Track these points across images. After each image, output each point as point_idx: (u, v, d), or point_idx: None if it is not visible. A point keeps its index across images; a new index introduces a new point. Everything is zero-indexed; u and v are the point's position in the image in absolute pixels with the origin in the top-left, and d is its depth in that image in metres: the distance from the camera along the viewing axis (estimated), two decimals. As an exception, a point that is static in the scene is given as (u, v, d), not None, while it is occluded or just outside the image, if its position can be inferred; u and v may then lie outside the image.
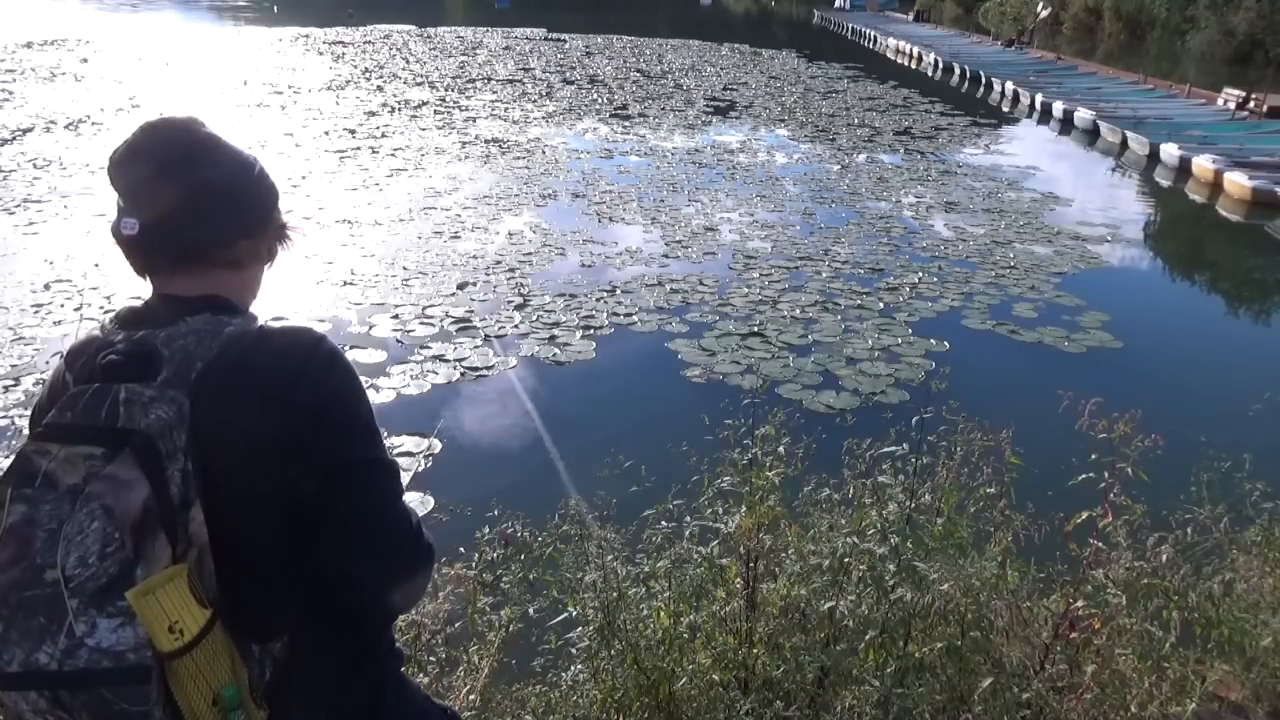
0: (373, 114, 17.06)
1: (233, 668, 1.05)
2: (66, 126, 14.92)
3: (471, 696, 2.55)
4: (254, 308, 1.28)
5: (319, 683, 1.20)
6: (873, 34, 38.51)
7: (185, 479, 1.03)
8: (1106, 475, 2.19)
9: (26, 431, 1.23)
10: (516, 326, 7.63)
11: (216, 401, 1.07)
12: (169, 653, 0.98)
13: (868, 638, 2.25)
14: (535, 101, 19.27)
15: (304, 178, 12.10)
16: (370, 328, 7.44)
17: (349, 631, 1.23)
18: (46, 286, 8.03)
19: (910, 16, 48.78)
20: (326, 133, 15.14)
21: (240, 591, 1.09)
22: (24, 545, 0.98)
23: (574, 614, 2.41)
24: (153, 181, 1.14)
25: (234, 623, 1.08)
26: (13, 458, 1.05)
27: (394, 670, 1.33)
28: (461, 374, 6.77)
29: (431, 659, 2.60)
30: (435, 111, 17.63)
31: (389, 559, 1.15)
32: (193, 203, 1.16)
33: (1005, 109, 22.14)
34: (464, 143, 14.83)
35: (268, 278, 1.31)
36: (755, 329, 7.67)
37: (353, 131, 15.35)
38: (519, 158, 13.91)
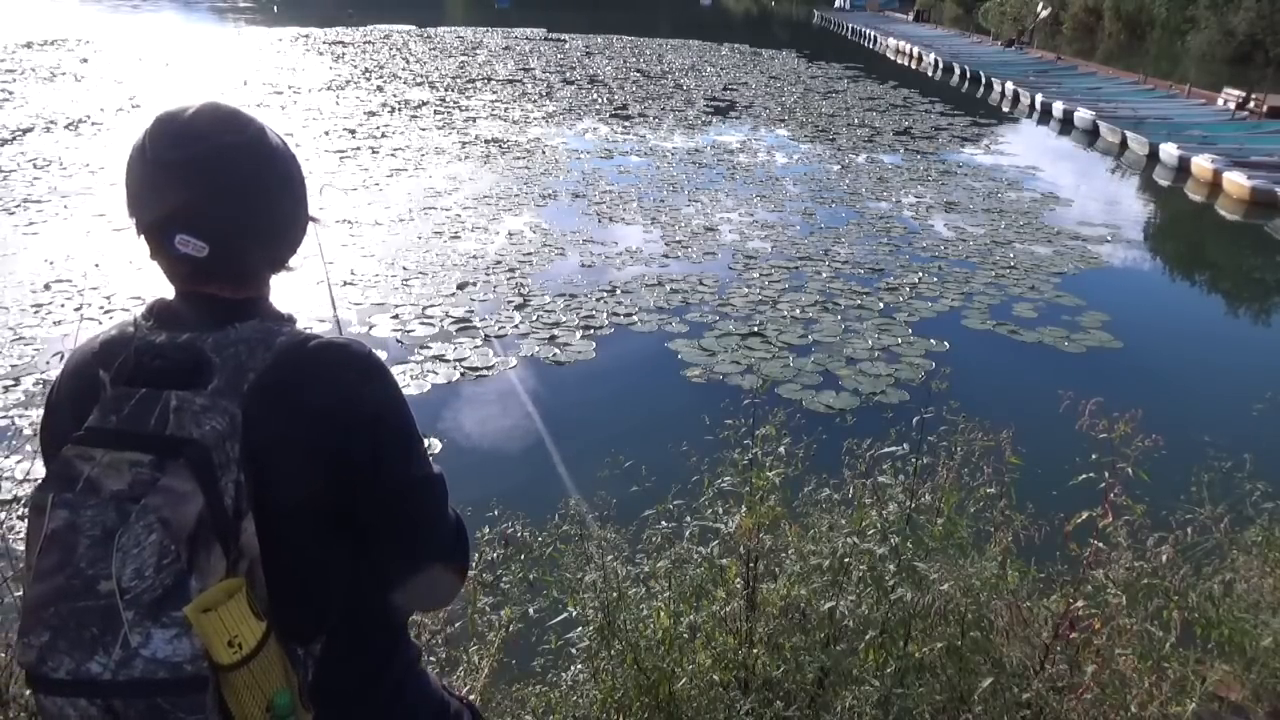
0: (373, 114, 17.06)
1: (285, 675, 1.07)
2: (66, 126, 14.93)
3: (472, 696, 2.55)
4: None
5: (349, 679, 1.22)
6: (873, 34, 38.49)
7: (238, 490, 1.03)
8: (1107, 475, 2.19)
9: (38, 423, 1.22)
10: (516, 326, 7.63)
11: (270, 414, 1.07)
12: (226, 665, 0.99)
13: (868, 638, 2.25)
14: (535, 101, 19.27)
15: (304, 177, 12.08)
16: (370, 328, 7.44)
17: (378, 629, 1.27)
18: (46, 286, 8.03)
19: (910, 16, 48.75)
20: (326, 133, 15.14)
21: (286, 596, 1.10)
22: (67, 552, 0.97)
23: (574, 614, 2.41)
24: (227, 205, 1.12)
25: (282, 629, 1.09)
26: (54, 462, 1.03)
27: (414, 663, 1.36)
28: (461, 374, 6.77)
29: (431, 659, 2.60)
30: (435, 111, 17.63)
31: (445, 563, 1.25)
32: (268, 228, 1.18)
33: (1005, 109, 22.14)
34: (464, 143, 14.83)
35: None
36: (755, 329, 7.68)
37: (353, 131, 15.35)
38: (519, 158, 13.91)
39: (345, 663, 1.20)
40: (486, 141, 14.97)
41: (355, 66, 23.79)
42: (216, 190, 1.10)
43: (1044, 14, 37.16)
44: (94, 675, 0.95)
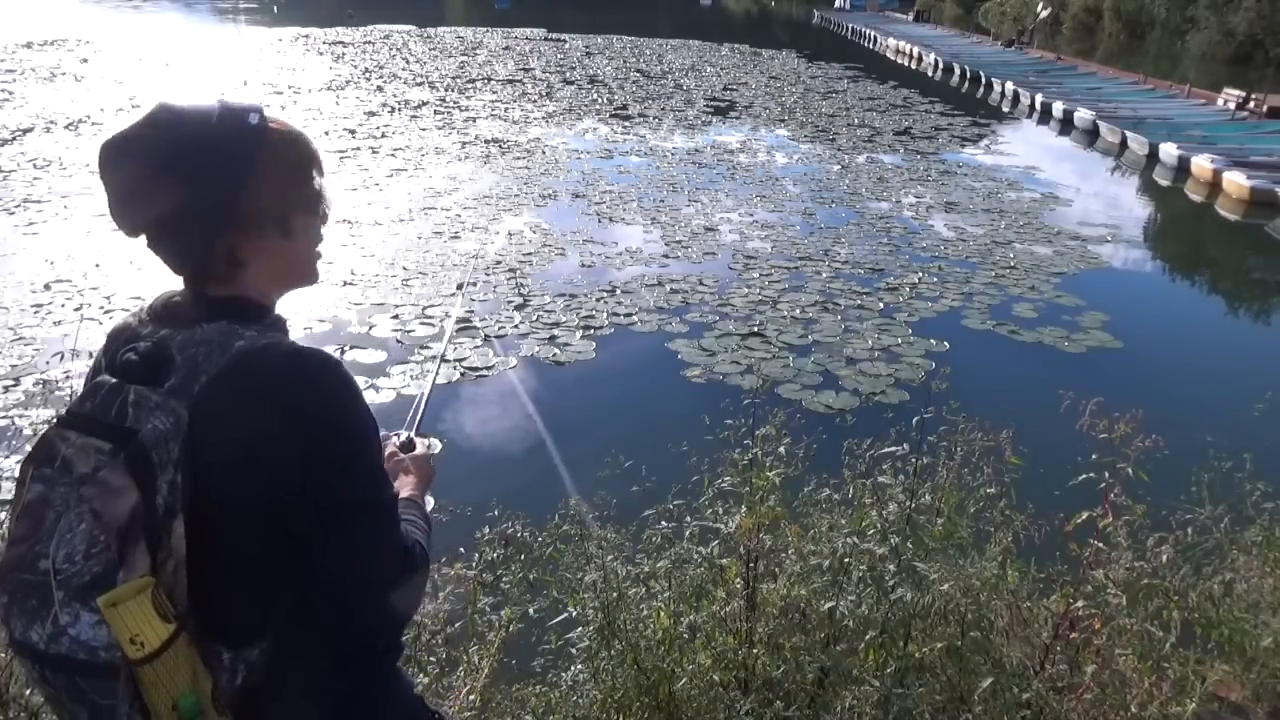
0: (373, 114, 17.06)
1: (193, 679, 1.06)
2: (66, 126, 14.92)
3: (471, 697, 2.55)
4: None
5: (295, 682, 1.18)
6: (873, 34, 38.49)
7: (172, 490, 1.04)
8: (1107, 475, 2.19)
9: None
10: (516, 326, 7.63)
11: (216, 417, 1.06)
12: (132, 660, 1.02)
13: (868, 638, 2.25)
14: (535, 101, 19.27)
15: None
16: (370, 328, 7.44)
17: (329, 633, 1.21)
18: (46, 286, 8.03)
19: (910, 17, 48.76)
20: (326, 133, 15.13)
21: (220, 600, 1.09)
22: (35, 524, 1.04)
23: (574, 614, 2.41)
24: (124, 196, 1.18)
25: (210, 630, 1.08)
26: (38, 440, 1.10)
27: (383, 668, 1.32)
28: (461, 374, 6.77)
29: (431, 659, 2.60)
30: (435, 111, 17.63)
31: (381, 592, 1.21)
32: (169, 218, 1.16)
33: (1005, 109, 22.14)
34: (464, 143, 14.82)
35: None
36: (755, 329, 7.68)
37: (353, 131, 15.35)
38: (519, 158, 13.91)
39: (291, 666, 1.17)
40: (486, 141, 14.96)
41: (355, 67, 23.78)
42: (117, 183, 1.18)
43: (1044, 14, 37.17)
44: (33, 643, 1.02)
